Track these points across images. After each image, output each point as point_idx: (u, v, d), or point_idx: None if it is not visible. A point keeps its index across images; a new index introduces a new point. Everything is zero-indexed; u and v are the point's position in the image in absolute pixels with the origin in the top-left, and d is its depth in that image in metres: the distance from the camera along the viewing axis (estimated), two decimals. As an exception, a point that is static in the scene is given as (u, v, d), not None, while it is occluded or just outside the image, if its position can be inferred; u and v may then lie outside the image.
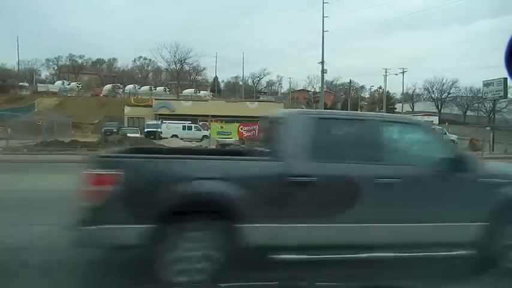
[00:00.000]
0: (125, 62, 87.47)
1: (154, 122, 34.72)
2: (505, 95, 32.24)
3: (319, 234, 4.24)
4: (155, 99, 46.19)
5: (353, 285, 3.14)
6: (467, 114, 60.85)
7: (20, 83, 63.91)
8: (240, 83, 79.47)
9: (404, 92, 70.01)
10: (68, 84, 65.51)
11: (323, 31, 41.97)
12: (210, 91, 71.46)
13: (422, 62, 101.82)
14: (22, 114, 36.96)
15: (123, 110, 42.08)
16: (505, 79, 28.55)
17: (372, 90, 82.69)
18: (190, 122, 34.37)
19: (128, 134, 27.55)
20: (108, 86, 64.33)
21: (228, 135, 27.47)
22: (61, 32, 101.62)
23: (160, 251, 3.93)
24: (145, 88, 64.11)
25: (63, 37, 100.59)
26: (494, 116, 37.11)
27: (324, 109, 55.87)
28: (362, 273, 4.22)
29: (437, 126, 35.73)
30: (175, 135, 31.32)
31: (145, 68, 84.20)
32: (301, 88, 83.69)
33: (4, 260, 4.55)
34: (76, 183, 4.03)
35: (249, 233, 4.05)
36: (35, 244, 5.25)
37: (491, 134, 28.84)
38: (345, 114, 6.75)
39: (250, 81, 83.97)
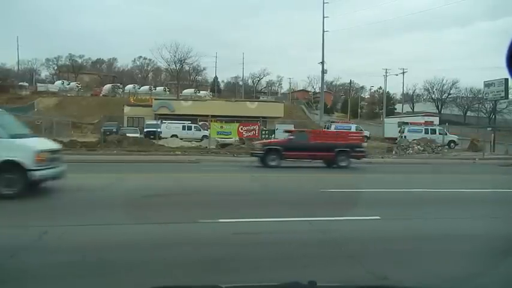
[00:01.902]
0: (124, 61, 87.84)
1: (154, 122, 34.57)
2: (506, 96, 32.14)
3: None
4: (155, 99, 46.06)
5: (353, 285, 3.08)
6: (467, 114, 60.80)
7: (20, 83, 63.82)
8: (240, 83, 79.45)
9: (404, 92, 70.13)
10: (68, 84, 65.44)
11: (323, 31, 42.02)
12: (210, 91, 71.37)
13: (422, 62, 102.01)
14: (21, 114, 36.77)
15: (123, 109, 41.94)
16: (506, 80, 28.48)
17: (372, 90, 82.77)
18: (190, 122, 34.23)
19: (128, 134, 27.42)
20: (108, 86, 64.25)
21: (228, 135, 27.33)
22: (61, 32, 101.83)
23: None
24: (145, 88, 64.07)
25: (63, 37, 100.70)
26: (495, 117, 36.97)
27: (324, 109, 55.92)
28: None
29: (438, 127, 35.63)
30: (175, 135, 31.22)
31: (145, 67, 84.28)
32: (301, 88, 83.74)
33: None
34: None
35: None
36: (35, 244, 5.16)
37: (492, 134, 28.73)
38: None
39: (250, 82, 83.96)
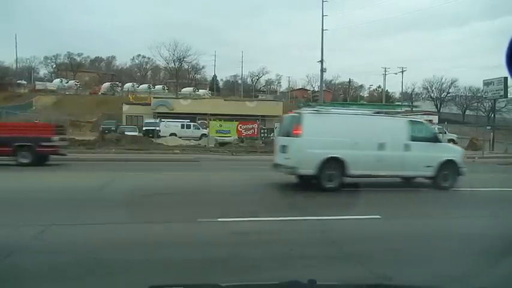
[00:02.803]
0: (123, 60, 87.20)
1: (153, 120, 34.45)
2: (505, 95, 32.13)
3: None
4: (154, 98, 45.94)
5: (353, 285, 3.05)
6: (466, 113, 60.78)
7: (18, 81, 63.58)
8: (239, 81, 79.27)
9: (403, 91, 69.98)
10: (66, 82, 65.27)
11: (322, 29, 41.77)
12: (209, 90, 71.18)
13: (421, 61, 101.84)
14: (20, 112, 36.72)
15: (122, 108, 41.86)
16: (506, 78, 28.48)
17: (371, 89, 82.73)
18: (189, 120, 34.13)
19: (126, 132, 27.36)
20: (107, 84, 64.11)
21: (227, 133, 27.31)
22: (60, 30, 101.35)
23: None
24: (144, 86, 63.88)
25: (61, 35, 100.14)
26: (494, 116, 36.94)
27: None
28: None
29: (438, 126, 35.59)
30: (174, 134, 31.08)
31: (144, 66, 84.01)
32: (300, 87, 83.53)
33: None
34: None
35: None
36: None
37: (492, 133, 28.72)
38: None
39: (249, 80, 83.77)
